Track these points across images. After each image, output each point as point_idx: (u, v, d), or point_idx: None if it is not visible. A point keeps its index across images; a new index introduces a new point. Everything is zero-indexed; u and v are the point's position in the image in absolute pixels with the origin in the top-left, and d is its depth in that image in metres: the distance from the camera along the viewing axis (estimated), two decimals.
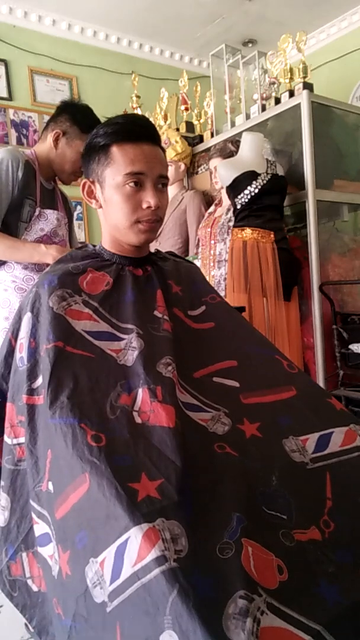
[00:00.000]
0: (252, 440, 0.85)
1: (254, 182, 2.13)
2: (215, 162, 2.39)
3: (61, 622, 0.73)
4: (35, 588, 0.86)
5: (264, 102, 2.49)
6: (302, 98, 2.21)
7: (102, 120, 1.08)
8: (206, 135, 2.89)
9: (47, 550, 0.80)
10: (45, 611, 0.83)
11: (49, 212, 1.63)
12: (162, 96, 2.94)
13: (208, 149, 2.73)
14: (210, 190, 2.79)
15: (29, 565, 0.87)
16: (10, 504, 0.91)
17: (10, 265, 1.60)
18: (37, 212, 1.60)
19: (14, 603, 0.88)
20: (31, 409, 0.89)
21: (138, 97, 3.10)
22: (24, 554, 0.88)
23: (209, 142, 2.80)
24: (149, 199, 0.98)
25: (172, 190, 2.68)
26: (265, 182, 2.14)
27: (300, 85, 2.27)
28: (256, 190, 2.13)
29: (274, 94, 2.43)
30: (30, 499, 0.85)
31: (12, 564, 0.89)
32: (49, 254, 1.51)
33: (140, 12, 3.29)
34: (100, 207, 1.05)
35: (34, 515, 0.84)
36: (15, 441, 0.92)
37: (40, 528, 0.82)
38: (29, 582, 0.87)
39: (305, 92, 2.21)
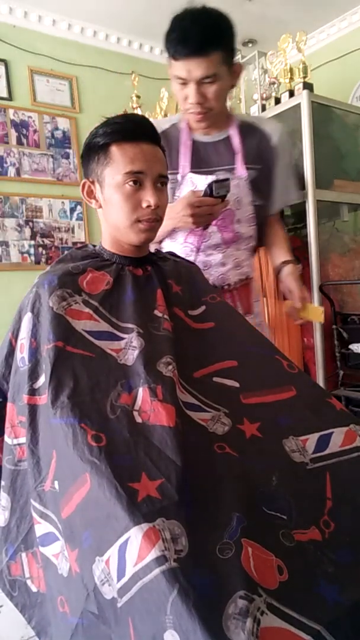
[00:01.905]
0: (252, 440, 0.85)
1: None
2: None
3: (65, 621, 0.73)
4: (34, 589, 0.86)
5: (264, 102, 2.48)
6: (302, 98, 2.20)
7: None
8: None
9: (52, 550, 0.80)
10: (44, 612, 0.83)
11: (196, 177, 1.30)
12: (162, 96, 2.94)
13: None
14: None
15: (29, 565, 0.87)
16: (10, 504, 0.91)
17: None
18: (179, 180, 1.31)
19: (13, 603, 0.88)
20: (32, 409, 0.89)
21: (138, 97, 3.09)
22: (24, 554, 0.88)
23: None
24: (148, 198, 0.98)
25: None
26: None
27: (300, 85, 2.26)
28: None
29: (274, 94, 2.43)
30: (32, 498, 0.85)
31: (12, 563, 0.89)
32: (179, 204, 1.18)
33: (140, 12, 3.28)
34: (100, 207, 1.05)
35: (35, 515, 0.84)
36: (15, 441, 0.92)
37: (42, 528, 0.82)
38: (28, 582, 0.87)
39: (305, 92, 2.21)
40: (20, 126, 3.22)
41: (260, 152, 1.30)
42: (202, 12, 1.14)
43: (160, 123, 1.40)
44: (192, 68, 1.14)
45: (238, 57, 2.57)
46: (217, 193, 1.14)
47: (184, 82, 1.18)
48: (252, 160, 1.31)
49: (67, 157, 3.40)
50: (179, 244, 1.37)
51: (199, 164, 1.31)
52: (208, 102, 1.19)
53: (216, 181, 1.15)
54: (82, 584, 0.70)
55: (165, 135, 1.35)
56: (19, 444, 0.92)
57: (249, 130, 1.32)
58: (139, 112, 3.01)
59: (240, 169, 1.30)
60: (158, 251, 1.23)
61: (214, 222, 1.29)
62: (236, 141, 1.30)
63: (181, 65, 1.16)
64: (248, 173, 1.30)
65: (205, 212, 1.17)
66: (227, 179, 1.14)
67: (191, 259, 1.33)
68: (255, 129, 1.32)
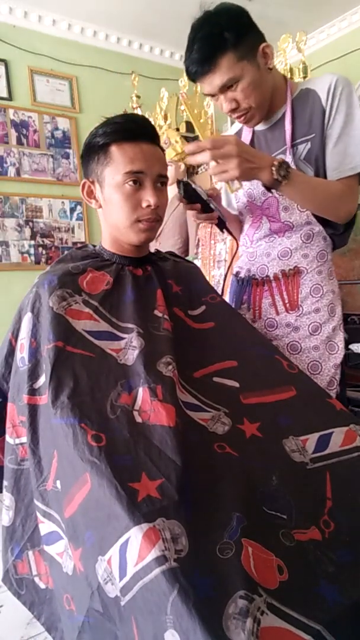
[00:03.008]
0: (252, 440, 0.85)
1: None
2: None
3: (72, 619, 0.73)
4: (42, 585, 0.87)
5: None
6: None
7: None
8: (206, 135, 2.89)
9: (56, 548, 0.80)
10: (53, 608, 0.84)
11: None
12: (162, 96, 2.94)
13: None
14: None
15: (36, 563, 0.87)
16: (14, 504, 0.91)
17: None
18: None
19: (21, 601, 0.89)
20: (32, 409, 0.89)
21: (138, 97, 3.10)
22: (30, 552, 0.88)
23: None
24: (148, 198, 0.98)
25: (172, 190, 2.68)
26: None
27: None
28: None
29: None
30: (35, 498, 0.85)
31: (19, 562, 0.89)
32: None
33: (140, 12, 3.28)
34: (100, 207, 1.05)
35: (38, 515, 0.84)
36: (17, 441, 0.92)
37: (46, 527, 0.83)
38: (36, 579, 0.87)
39: None
40: (20, 126, 3.22)
41: (312, 117, 1.16)
42: (201, 23, 1.09)
43: (232, 129, 1.38)
44: (207, 83, 1.11)
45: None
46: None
47: (212, 95, 1.15)
48: (305, 132, 1.17)
49: (67, 157, 3.40)
50: (243, 238, 1.36)
51: None
52: (241, 104, 1.13)
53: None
54: (86, 583, 0.70)
55: (237, 136, 1.29)
56: (21, 444, 0.92)
57: (303, 98, 1.18)
58: (139, 112, 3.01)
59: (287, 152, 1.18)
60: (158, 251, 1.23)
61: (262, 212, 1.25)
62: (287, 119, 1.18)
63: (200, 83, 1.13)
64: (296, 149, 1.18)
65: (188, 210, 1.18)
66: (179, 181, 1.12)
67: (246, 250, 1.31)
68: (309, 92, 1.17)
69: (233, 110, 1.15)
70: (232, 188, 1.27)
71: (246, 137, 1.28)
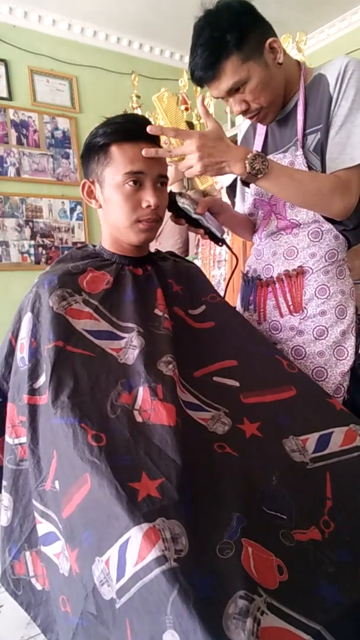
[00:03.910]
0: (252, 440, 0.85)
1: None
2: None
3: (67, 621, 0.73)
4: (39, 587, 0.87)
5: None
6: None
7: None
8: None
9: (53, 549, 0.80)
10: (49, 609, 0.84)
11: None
12: (162, 96, 2.94)
13: None
14: (210, 190, 2.79)
15: (33, 564, 0.87)
16: (12, 504, 0.91)
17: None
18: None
19: (18, 601, 0.89)
20: (32, 409, 0.89)
21: (138, 97, 3.09)
22: (27, 553, 0.88)
23: None
24: (148, 198, 0.98)
25: None
26: None
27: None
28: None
29: None
30: (33, 498, 0.85)
31: (16, 563, 0.89)
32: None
33: (140, 12, 3.28)
34: (100, 207, 1.05)
35: (37, 515, 0.84)
36: (16, 441, 0.92)
37: (43, 527, 0.82)
38: (33, 580, 0.87)
39: None
40: (20, 126, 3.22)
41: (321, 106, 1.08)
42: (202, 25, 1.03)
43: (246, 122, 1.32)
44: (213, 89, 1.08)
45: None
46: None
47: (222, 98, 1.10)
48: (316, 121, 1.10)
49: (67, 157, 3.40)
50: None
51: (270, 149, 1.21)
52: (251, 105, 1.09)
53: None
54: (81, 584, 0.70)
55: (253, 129, 1.29)
56: (20, 444, 0.92)
57: (316, 85, 1.11)
58: (139, 112, 3.01)
59: (298, 144, 1.14)
60: (158, 251, 1.23)
61: (271, 208, 1.21)
62: (299, 110, 1.12)
63: (207, 88, 1.10)
64: (306, 140, 1.12)
65: (174, 222, 1.17)
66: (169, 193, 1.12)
67: (256, 248, 1.29)
68: (321, 78, 1.10)
69: (244, 112, 1.11)
70: (203, 183, 1.27)
71: (261, 131, 1.25)
